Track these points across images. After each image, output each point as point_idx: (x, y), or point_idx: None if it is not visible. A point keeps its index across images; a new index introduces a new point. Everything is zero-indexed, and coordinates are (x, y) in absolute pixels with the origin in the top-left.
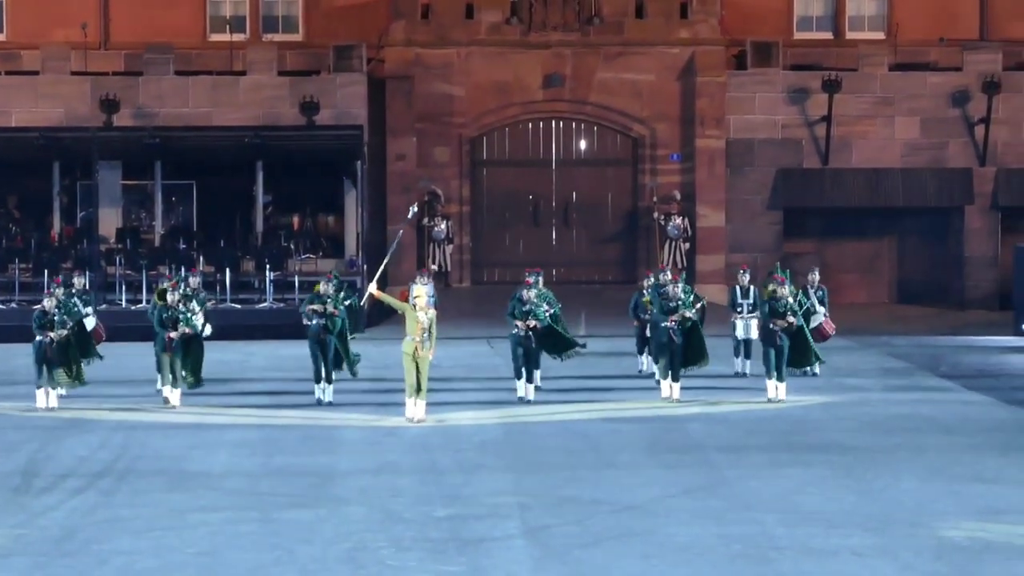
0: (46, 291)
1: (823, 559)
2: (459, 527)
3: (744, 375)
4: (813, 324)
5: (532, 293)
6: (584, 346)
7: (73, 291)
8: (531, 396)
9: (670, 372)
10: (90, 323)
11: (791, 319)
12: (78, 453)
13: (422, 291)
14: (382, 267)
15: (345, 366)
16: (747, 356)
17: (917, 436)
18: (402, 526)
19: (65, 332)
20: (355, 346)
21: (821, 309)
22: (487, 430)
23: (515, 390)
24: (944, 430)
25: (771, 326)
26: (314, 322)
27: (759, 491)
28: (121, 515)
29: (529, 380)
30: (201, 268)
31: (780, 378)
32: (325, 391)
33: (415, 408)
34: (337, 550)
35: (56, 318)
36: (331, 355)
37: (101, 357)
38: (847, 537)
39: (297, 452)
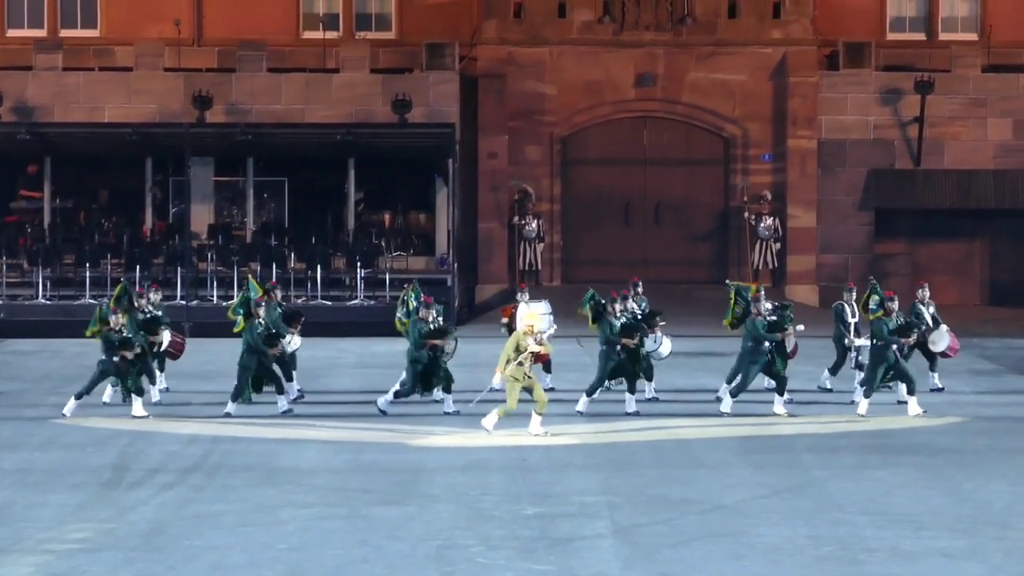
0: (112, 308)
1: (913, 561)
2: (548, 526)
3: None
4: (942, 343)
5: (617, 307)
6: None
7: (147, 307)
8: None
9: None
10: (165, 337)
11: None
12: (168, 449)
13: (535, 316)
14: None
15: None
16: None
17: (1007, 438)
18: (491, 524)
19: (137, 350)
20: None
21: (944, 327)
22: (576, 429)
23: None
24: None
25: (898, 346)
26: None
27: (849, 492)
28: (211, 511)
29: (631, 392)
30: (292, 265)
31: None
32: (445, 401)
33: (535, 424)
34: (426, 547)
35: (126, 333)
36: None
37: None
38: (937, 539)
39: (386, 449)
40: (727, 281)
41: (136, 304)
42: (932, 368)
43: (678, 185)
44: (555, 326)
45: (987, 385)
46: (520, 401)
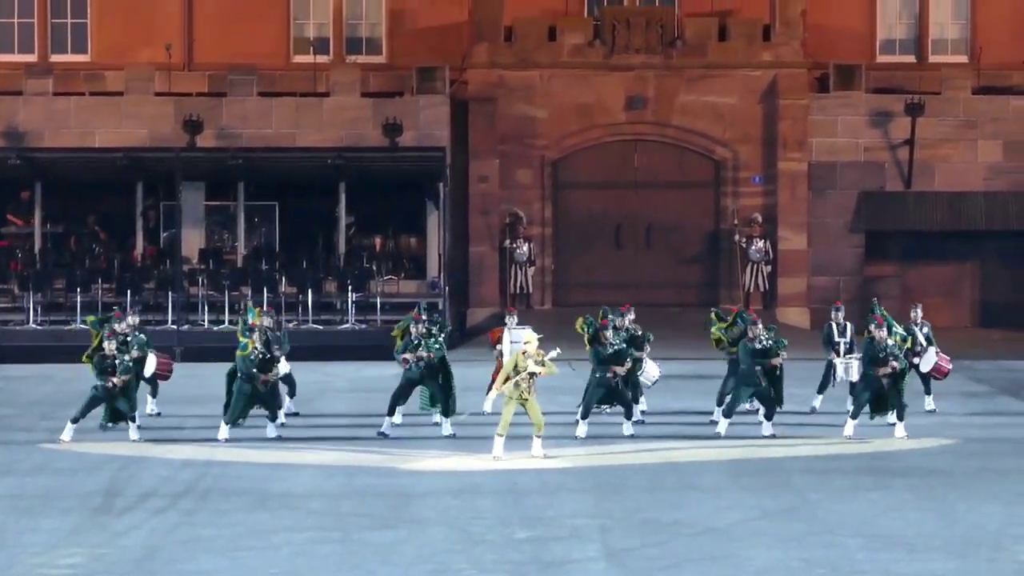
0: (107, 333)
1: None
2: (540, 549)
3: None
4: (928, 364)
5: (609, 333)
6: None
7: (127, 331)
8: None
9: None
10: (150, 364)
11: (894, 364)
12: (160, 473)
13: (532, 337)
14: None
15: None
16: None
17: (1000, 460)
18: (483, 548)
19: (127, 377)
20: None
21: (932, 349)
22: (568, 452)
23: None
24: None
25: (874, 374)
26: (412, 367)
27: (841, 514)
28: (203, 535)
29: (628, 417)
30: (283, 289)
31: (901, 415)
32: (443, 424)
33: (498, 448)
34: (418, 571)
35: (117, 361)
36: (439, 390)
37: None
38: (929, 561)
39: (378, 473)
40: (713, 309)
41: (115, 328)
42: (927, 391)
43: (669, 208)
44: (558, 348)
45: (979, 407)
46: (516, 424)
